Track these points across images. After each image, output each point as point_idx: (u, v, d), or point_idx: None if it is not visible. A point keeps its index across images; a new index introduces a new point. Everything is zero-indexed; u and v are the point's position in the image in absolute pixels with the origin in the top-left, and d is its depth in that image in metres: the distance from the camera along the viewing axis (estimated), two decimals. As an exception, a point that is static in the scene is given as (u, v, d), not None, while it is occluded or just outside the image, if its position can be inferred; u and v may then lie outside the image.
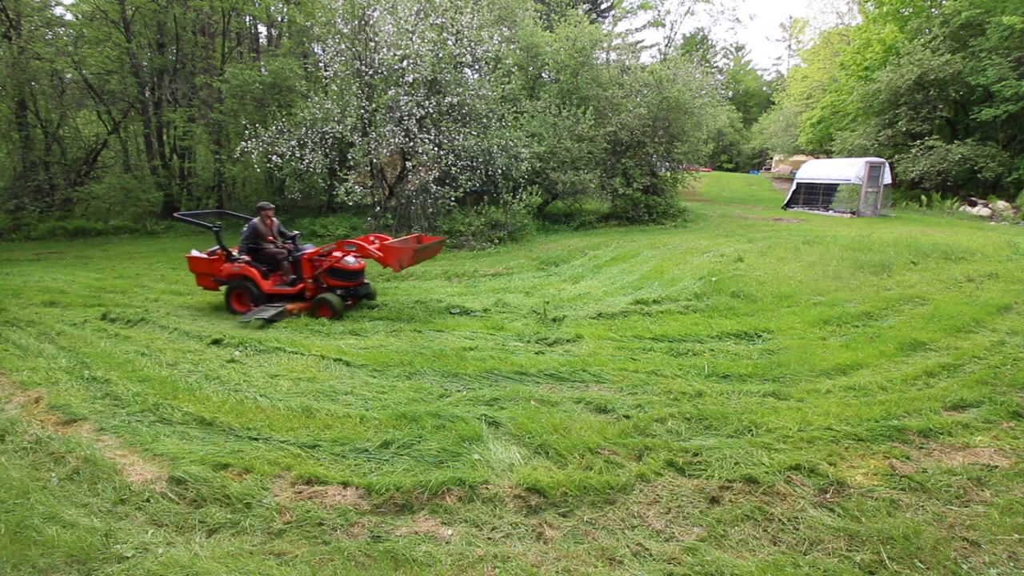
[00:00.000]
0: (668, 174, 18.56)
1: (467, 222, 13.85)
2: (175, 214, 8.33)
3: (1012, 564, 2.61)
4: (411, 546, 2.78)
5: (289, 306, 7.11)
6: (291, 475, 3.41)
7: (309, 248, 7.51)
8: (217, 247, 7.59)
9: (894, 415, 4.01)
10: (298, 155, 13.41)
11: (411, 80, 13.15)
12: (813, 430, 3.79)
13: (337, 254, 7.24)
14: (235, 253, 7.53)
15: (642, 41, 42.98)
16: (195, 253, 7.74)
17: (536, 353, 5.60)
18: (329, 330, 6.65)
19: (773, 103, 42.97)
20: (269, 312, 6.86)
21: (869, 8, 26.48)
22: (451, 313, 7.27)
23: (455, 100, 13.59)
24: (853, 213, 18.75)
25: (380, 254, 7.00)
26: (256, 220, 7.52)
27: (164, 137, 19.04)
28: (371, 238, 7.44)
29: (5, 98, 16.49)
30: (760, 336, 6.04)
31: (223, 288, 7.64)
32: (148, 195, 17.47)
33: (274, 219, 7.75)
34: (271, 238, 7.64)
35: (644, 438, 3.77)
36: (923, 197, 20.80)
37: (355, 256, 7.25)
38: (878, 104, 22.55)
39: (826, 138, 29.23)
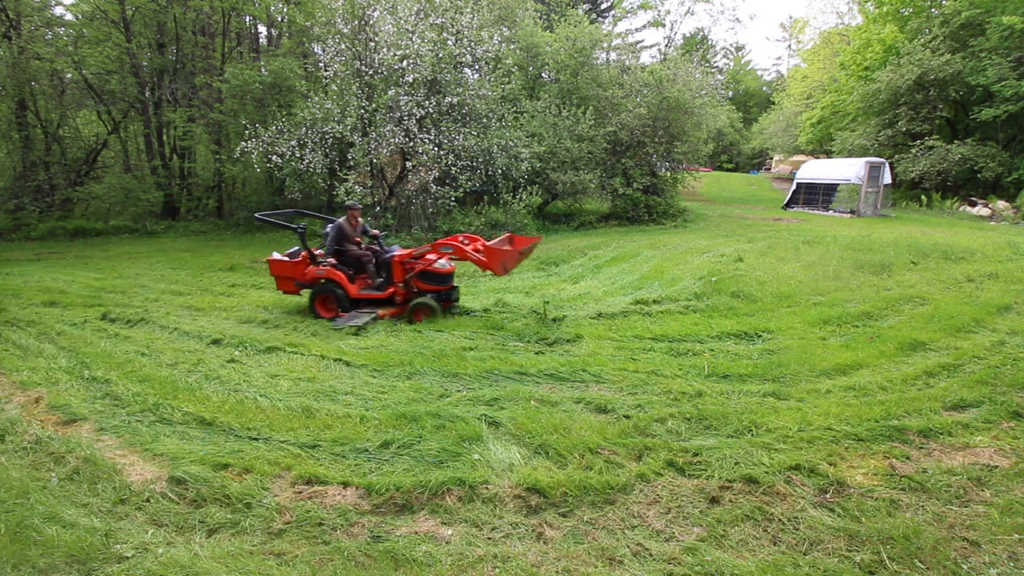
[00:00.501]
0: (668, 174, 18.56)
1: (467, 222, 13.85)
2: (256, 214, 7.85)
3: (1012, 564, 2.60)
4: (411, 546, 2.78)
5: (380, 311, 6.88)
6: (291, 475, 3.41)
7: (397, 249, 7.22)
8: (297, 249, 7.31)
9: (894, 415, 4.01)
10: (298, 155, 13.41)
11: (411, 80, 13.15)
12: (813, 430, 3.79)
13: (431, 256, 6.92)
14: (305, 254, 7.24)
15: (642, 41, 42.98)
16: (276, 256, 7.40)
17: (536, 353, 5.60)
18: (329, 330, 6.65)
19: (773, 103, 42.95)
20: (363, 319, 6.62)
21: (869, 8, 26.48)
22: (451, 313, 7.27)
23: (455, 100, 13.58)
24: (853, 213, 18.75)
25: (477, 256, 6.66)
26: (342, 220, 7.20)
27: (164, 137, 19.05)
28: (460, 238, 7.08)
29: (5, 98, 16.50)
30: (760, 336, 6.04)
31: (304, 293, 7.35)
32: (148, 195, 17.48)
33: (359, 219, 7.44)
34: (357, 239, 7.35)
35: (644, 438, 3.77)
36: (923, 197, 20.79)
37: (446, 259, 6.93)
38: (878, 104, 22.54)
39: (826, 138, 29.23)
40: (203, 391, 4.68)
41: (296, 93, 15.90)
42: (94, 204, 18.02)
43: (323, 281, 7.04)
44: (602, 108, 17.68)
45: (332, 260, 7.06)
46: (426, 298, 6.88)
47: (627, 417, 4.08)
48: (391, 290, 7.03)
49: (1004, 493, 3.12)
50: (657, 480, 3.30)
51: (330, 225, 7.31)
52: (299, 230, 7.16)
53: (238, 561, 2.68)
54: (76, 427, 4.15)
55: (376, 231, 7.52)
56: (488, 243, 6.91)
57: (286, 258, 7.34)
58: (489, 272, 6.94)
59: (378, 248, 7.36)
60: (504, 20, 18.42)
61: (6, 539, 2.84)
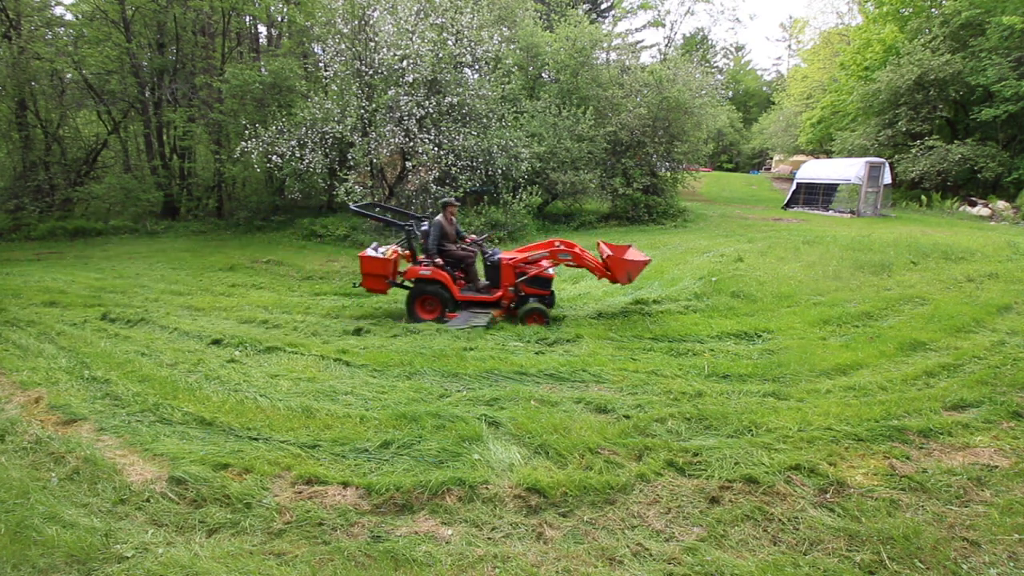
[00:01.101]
0: (668, 174, 18.56)
1: (467, 222, 13.86)
2: (351, 206, 7.38)
3: (1012, 564, 2.61)
4: (411, 546, 2.78)
5: (494, 312, 6.75)
6: (291, 475, 3.41)
7: (500, 252, 6.98)
8: (375, 244, 7.10)
9: (894, 415, 4.01)
10: (298, 155, 13.40)
11: (411, 80, 13.15)
12: (813, 430, 3.79)
13: (545, 262, 6.76)
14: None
15: (642, 41, 42.97)
16: (370, 252, 6.96)
17: (536, 353, 5.60)
18: (329, 330, 6.65)
19: (773, 103, 42.93)
20: (483, 319, 6.49)
21: (869, 8, 26.48)
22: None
23: (455, 100, 13.58)
24: (853, 213, 18.74)
25: (595, 264, 6.62)
26: (440, 218, 6.87)
27: (164, 137, 19.03)
28: (557, 242, 6.90)
29: (5, 98, 16.47)
30: (760, 336, 6.04)
31: (390, 291, 7.12)
32: (148, 195, 17.46)
33: (453, 217, 7.14)
34: (468, 239, 7.21)
35: (644, 438, 3.77)
36: (923, 197, 20.79)
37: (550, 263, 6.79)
38: (878, 104, 22.54)
39: (826, 138, 29.22)
40: (203, 391, 4.67)
41: (296, 93, 15.89)
42: (94, 204, 17.99)
43: (427, 281, 6.73)
44: (602, 108, 17.68)
45: (439, 260, 6.77)
46: (539, 304, 6.71)
47: (627, 417, 4.08)
48: (499, 293, 6.82)
49: (1004, 493, 3.12)
50: (657, 480, 3.30)
51: (426, 223, 7.05)
52: (407, 227, 6.94)
53: (238, 561, 2.68)
54: (76, 427, 4.15)
55: (474, 235, 7.28)
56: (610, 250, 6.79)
57: (380, 255, 6.95)
58: (604, 279, 6.82)
59: (480, 250, 7.18)
60: (504, 20, 18.43)
61: (6, 539, 2.84)
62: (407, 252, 7.12)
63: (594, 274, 6.78)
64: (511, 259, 6.80)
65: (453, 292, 6.74)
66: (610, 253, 6.62)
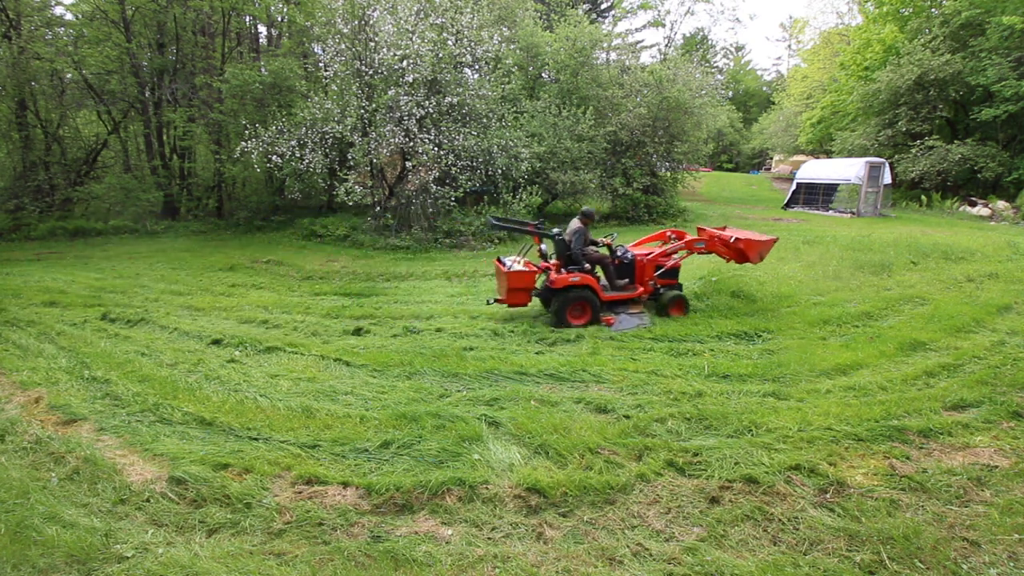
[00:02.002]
0: (668, 174, 18.56)
1: (467, 222, 13.86)
2: (492, 220, 7.35)
3: (1012, 564, 2.61)
4: (411, 546, 2.78)
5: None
6: (291, 475, 3.41)
7: (628, 250, 7.12)
8: (517, 256, 7.09)
9: (894, 415, 4.01)
10: (298, 155, 13.40)
11: (411, 80, 13.15)
12: (813, 430, 3.79)
13: (675, 256, 7.02)
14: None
15: (642, 41, 42.90)
16: (518, 268, 6.79)
17: (536, 353, 5.60)
18: (329, 330, 6.65)
19: (773, 103, 42.91)
20: (647, 318, 6.66)
21: (869, 8, 26.47)
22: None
23: (455, 100, 13.59)
24: (853, 213, 18.74)
25: (726, 248, 6.98)
26: (582, 225, 6.95)
27: (164, 137, 19.02)
28: (668, 233, 7.37)
29: (5, 98, 16.47)
30: (760, 336, 6.05)
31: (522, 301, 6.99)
32: (148, 195, 17.44)
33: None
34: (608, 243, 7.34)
35: (644, 438, 3.77)
36: (923, 197, 20.78)
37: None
38: (878, 104, 22.53)
39: (826, 138, 29.21)
40: (203, 391, 4.68)
41: (296, 93, 15.88)
42: (94, 204, 17.98)
43: (575, 288, 6.65)
44: (602, 108, 17.68)
45: (587, 266, 6.81)
46: (680, 291, 7.00)
47: (627, 417, 4.08)
48: (641, 289, 7.01)
49: (1004, 493, 3.12)
50: (657, 480, 3.30)
51: (557, 231, 7.08)
52: (555, 236, 6.91)
53: (238, 561, 2.68)
54: (76, 427, 4.15)
55: (608, 237, 7.36)
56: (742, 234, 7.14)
57: (524, 267, 6.81)
58: (733, 262, 7.31)
59: (610, 250, 7.25)
60: (504, 20, 18.42)
61: (6, 539, 2.84)
62: (554, 262, 7.06)
63: (725, 258, 7.22)
64: (645, 254, 7.06)
65: (599, 294, 6.79)
66: (740, 236, 6.97)
